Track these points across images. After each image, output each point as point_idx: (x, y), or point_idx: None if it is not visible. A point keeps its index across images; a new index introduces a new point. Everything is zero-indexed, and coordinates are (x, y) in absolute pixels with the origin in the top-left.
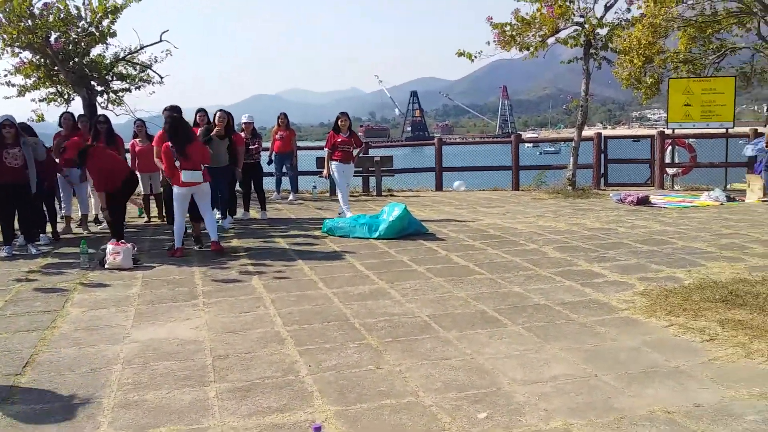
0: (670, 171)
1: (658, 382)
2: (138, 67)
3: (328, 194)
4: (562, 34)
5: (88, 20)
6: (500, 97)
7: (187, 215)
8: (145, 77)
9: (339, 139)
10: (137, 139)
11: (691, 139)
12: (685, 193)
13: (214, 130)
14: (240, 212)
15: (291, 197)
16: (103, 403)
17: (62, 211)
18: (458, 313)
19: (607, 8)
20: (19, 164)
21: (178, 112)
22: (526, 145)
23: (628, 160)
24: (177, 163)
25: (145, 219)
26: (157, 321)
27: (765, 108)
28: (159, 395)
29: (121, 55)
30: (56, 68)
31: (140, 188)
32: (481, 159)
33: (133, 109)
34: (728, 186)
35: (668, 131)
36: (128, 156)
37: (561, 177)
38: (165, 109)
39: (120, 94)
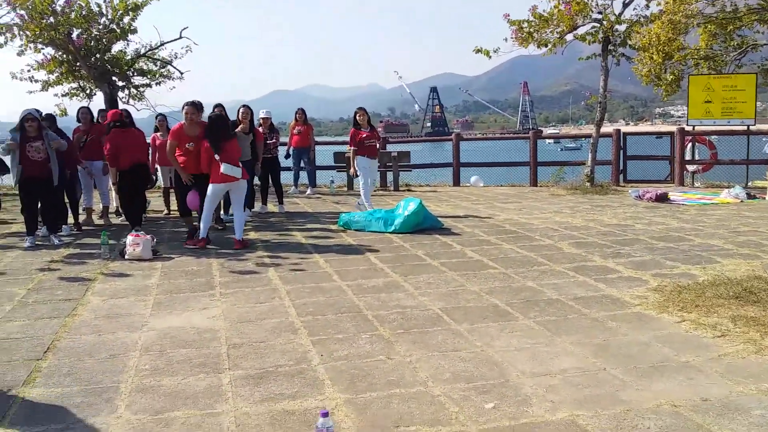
0: (690, 168)
1: (666, 376)
2: (158, 63)
3: (345, 188)
4: (581, 31)
5: (109, 17)
6: (521, 93)
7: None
8: (165, 73)
9: (363, 135)
10: (158, 134)
11: (712, 136)
12: (705, 190)
13: (239, 126)
14: (258, 206)
15: (308, 191)
16: (120, 388)
17: (84, 203)
18: (470, 306)
19: (625, 5)
20: (42, 157)
21: (221, 108)
22: (547, 141)
23: (647, 157)
24: (217, 157)
25: (165, 212)
26: (174, 310)
27: None
28: (175, 381)
29: (142, 51)
30: (78, 64)
31: (161, 181)
32: (499, 155)
33: (153, 104)
34: (749, 183)
35: (688, 128)
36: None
37: (579, 173)
38: (185, 104)
39: (141, 89)
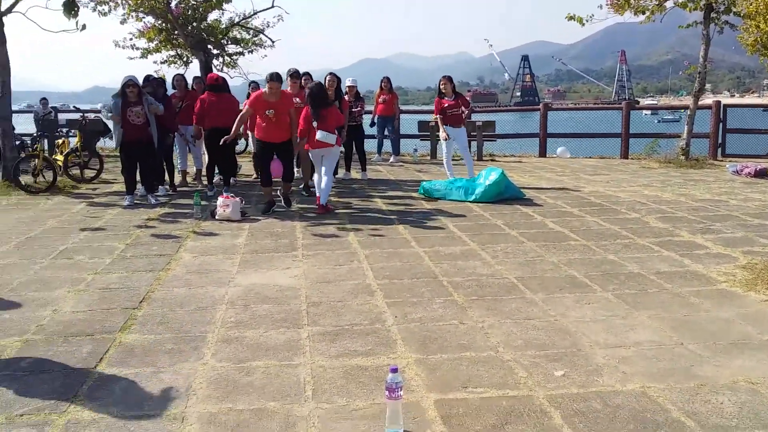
0: None
1: (747, 353)
2: (251, 31)
3: (428, 157)
4: None
5: None
6: (618, 62)
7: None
8: (257, 41)
9: (446, 104)
10: None
11: None
12: None
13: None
14: (341, 172)
15: (392, 159)
16: (207, 338)
17: (179, 166)
18: (547, 276)
19: None
20: (141, 121)
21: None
22: (644, 112)
23: (749, 130)
24: (314, 124)
25: (254, 176)
26: (259, 268)
27: None
28: (257, 334)
29: (236, 20)
30: (176, 32)
31: (251, 147)
32: (590, 126)
33: (246, 72)
34: None
35: None
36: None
37: (674, 146)
38: (269, 75)
39: (234, 57)
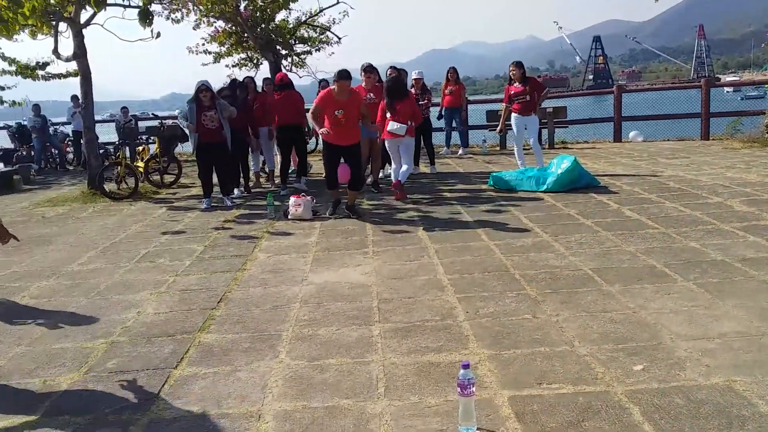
0: None
1: None
2: (318, 29)
3: (498, 148)
4: None
5: None
6: (696, 38)
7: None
8: (324, 39)
9: (512, 91)
10: None
11: None
12: None
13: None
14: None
15: (460, 151)
16: (282, 336)
17: (252, 168)
18: (624, 267)
19: None
20: (215, 125)
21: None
22: (726, 89)
23: None
24: (388, 115)
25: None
26: (331, 266)
27: None
28: (330, 331)
29: (303, 18)
30: (246, 35)
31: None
32: (667, 107)
33: (314, 70)
34: None
35: None
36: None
37: (759, 124)
38: (338, 73)
39: (302, 56)
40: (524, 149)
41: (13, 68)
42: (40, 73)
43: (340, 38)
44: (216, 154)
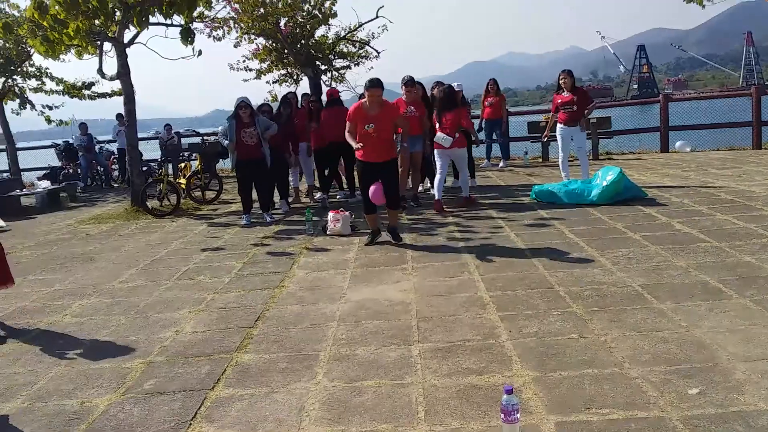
0: None
1: None
2: (357, 44)
3: (540, 160)
4: None
5: (312, 3)
6: (744, 45)
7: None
8: (363, 54)
9: (559, 100)
10: None
11: None
12: None
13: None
14: (450, 180)
15: (501, 164)
16: (320, 356)
17: (291, 183)
18: (675, 283)
19: None
20: (254, 142)
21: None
22: None
23: None
24: (437, 125)
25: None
26: (370, 283)
27: None
28: (368, 351)
29: (342, 34)
30: (286, 51)
31: None
32: (716, 116)
33: (354, 85)
34: None
35: None
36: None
37: None
38: (369, 81)
39: (342, 71)
40: (569, 160)
41: (61, 88)
42: (86, 92)
43: (379, 52)
44: (255, 171)
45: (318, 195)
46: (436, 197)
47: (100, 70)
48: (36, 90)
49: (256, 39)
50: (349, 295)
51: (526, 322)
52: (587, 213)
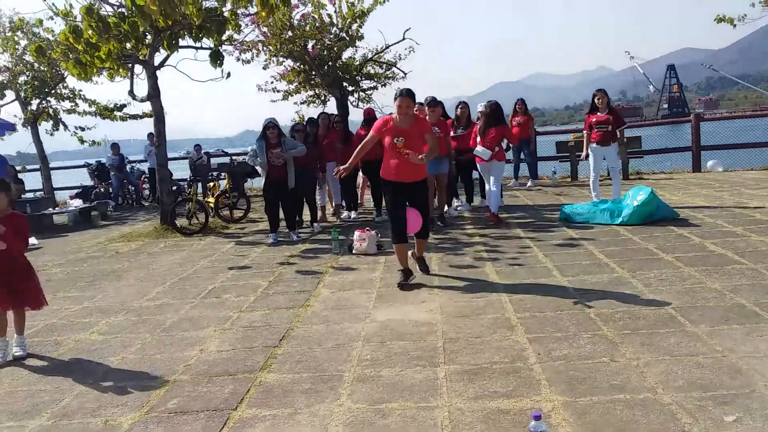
0: None
1: None
2: (384, 65)
3: (569, 179)
4: None
5: (339, 26)
6: None
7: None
8: (390, 75)
9: (593, 119)
10: None
11: None
12: None
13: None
14: (477, 200)
15: (529, 183)
16: (344, 377)
17: (318, 202)
18: (710, 306)
19: None
20: (282, 162)
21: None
22: None
23: None
24: (478, 139)
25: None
26: (395, 303)
27: None
28: (393, 372)
29: (369, 55)
30: (313, 73)
31: None
32: (749, 135)
33: (381, 105)
34: None
35: None
36: None
37: None
38: (399, 91)
39: (368, 92)
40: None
41: (93, 109)
42: (118, 114)
43: (406, 73)
44: (282, 190)
45: (345, 214)
46: (492, 210)
47: (131, 92)
48: (69, 111)
49: (284, 61)
50: (374, 315)
51: (555, 344)
52: (618, 233)
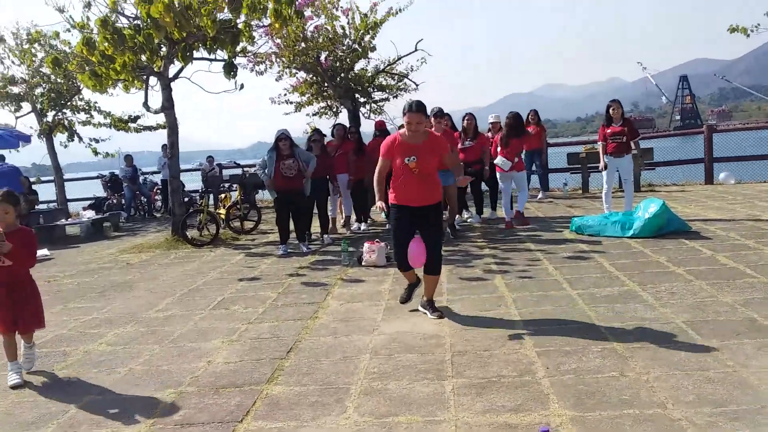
0: None
1: None
2: (396, 77)
3: (580, 191)
4: None
5: (352, 38)
6: None
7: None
8: (402, 86)
9: (608, 131)
10: None
11: None
12: None
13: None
14: (487, 212)
15: (540, 195)
16: (350, 390)
17: (329, 213)
18: (721, 320)
19: None
20: (293, 173)
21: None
22: None
23: None
24: (499, 149)
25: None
26: (403, 315)
27: None
28: (400, 386)
29: (381, 67)
30: (326, 84)
31: None
32: (764, 147)
33: (392, 117)
34: None
35: None
36: None
37: None
38: (408, 104)
39: (380, 103)
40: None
41: (108, 121)
42: (132, 125)
43: (417, 85)
44: (293, 202)
45: (355, 225)
46: (507, 219)
47: (145, 104)
48: (85, 123)
49: (297, 73)
50: (382, 328)
51: (564, 358)
52: (629, 246)
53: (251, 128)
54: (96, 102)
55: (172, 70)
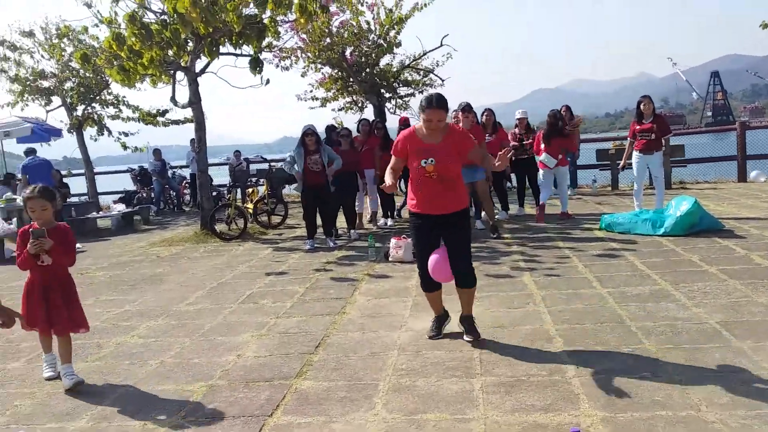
0: None
1: None
2: (421, 72)
3: (609, 188)
4: None
5: (377, 33)
6: None
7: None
8: (427, 81)
9: (637, 127)
10: None
11: None
12: None
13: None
14: (515, 208)
15: (569, 192)
16: (379, 386)
17: (357, 208)
18: (756, 321)
19: None
20: (319, 168)
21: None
22: None
23: None
24: (542, 146)
25: None
26: (431, 311)
27: None
28: (428, 383)
29: (407, 62)
30: (351, 80)
31: None
32: None
33: (417, 112)
34: None
35: None
36: None
37: None
38: (425, 99)
39: (406, 98)
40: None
41: (136, 115)
42: (160, 119)
43: (443, 80)
44: (320, 197)
45: (381, 221)
46: (563, 209)
47: (173, 99)
48: (113, 117)
49: (322, 68)
50: (410, 324)
51: (594, 358)
52: (660, 244)
53: (277, 122)
54: (124, 96)
55: (199, 65)
